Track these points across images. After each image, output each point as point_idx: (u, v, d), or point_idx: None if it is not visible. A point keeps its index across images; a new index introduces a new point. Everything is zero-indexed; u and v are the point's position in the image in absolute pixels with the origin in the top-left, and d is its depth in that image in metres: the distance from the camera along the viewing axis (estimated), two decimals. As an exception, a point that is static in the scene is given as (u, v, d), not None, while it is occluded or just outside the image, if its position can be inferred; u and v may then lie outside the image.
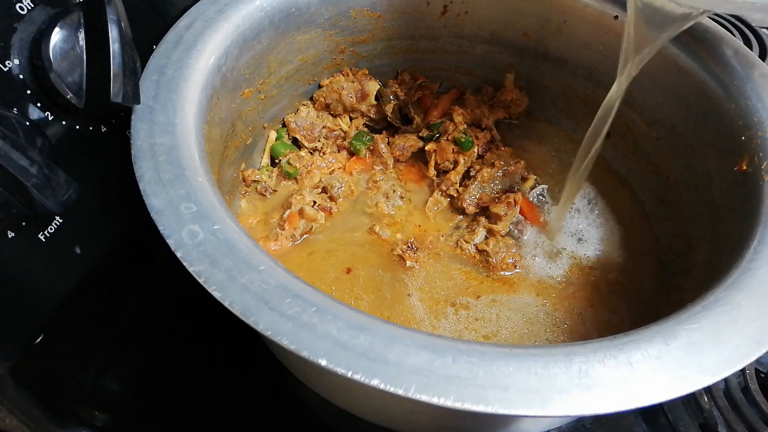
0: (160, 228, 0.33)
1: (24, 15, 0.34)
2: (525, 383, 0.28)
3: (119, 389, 0.50)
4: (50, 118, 0.36)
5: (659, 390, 0.29)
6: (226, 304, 0.30)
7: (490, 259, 0.54)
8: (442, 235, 0.56)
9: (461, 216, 0.58)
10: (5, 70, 0.33)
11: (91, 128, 0.40)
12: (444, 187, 0.59)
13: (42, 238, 0.36)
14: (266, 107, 0.59)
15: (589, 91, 0.63)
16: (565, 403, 0.28)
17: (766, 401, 0.50)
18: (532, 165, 0.62)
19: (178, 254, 0.32)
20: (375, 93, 0.64)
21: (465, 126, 0.63)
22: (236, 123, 0.53)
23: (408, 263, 0.53)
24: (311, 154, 0.62)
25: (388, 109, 0.65)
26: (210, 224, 0.34)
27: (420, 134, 0.64)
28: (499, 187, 0.59)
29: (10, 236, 0.34)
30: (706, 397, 0.50)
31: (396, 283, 0.52)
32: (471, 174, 0.60)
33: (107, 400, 0.49)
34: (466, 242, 0.55)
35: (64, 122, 0.37)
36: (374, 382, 0.28)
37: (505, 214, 0.56)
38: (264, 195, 0.58)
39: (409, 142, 0.63)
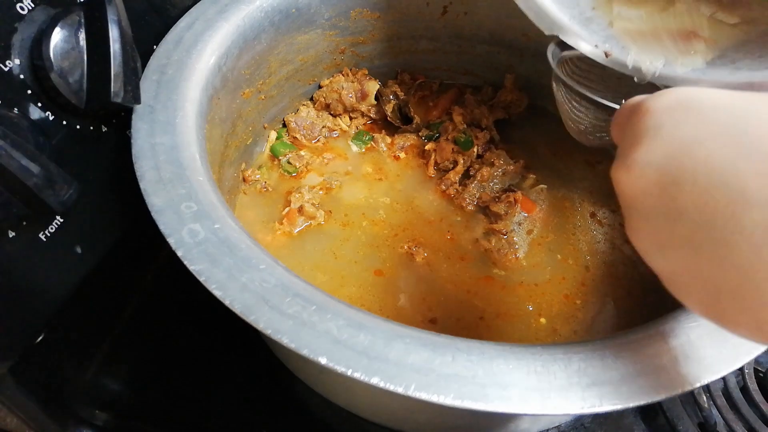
0: (161, 227, 0.33)
1: (24, 15, 0.34)
2: (524, 381, 0.29)
3: (119, 388, 0.50)
4: (51, 118, 0.36)
5: (658, 388, 0.29)
6: (226, 302, 0.30)
7: (493, 257, 0.54)
8: (443, 234, 0.56)
9: (461, 215, 0.59)
10: (6, 70, 0.33)
11: (91, 128, 0.40)
12: (444, 187, 0.59)
13: (43, 237, 0.36)
14: (266, 107, 0.59)
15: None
16: (564, 401, 0.28)
17: (765, 401, 0.50)
18: (531, 164, 0.63)
19: (179, 253, 0.32)
20: (375, 93, 0.65)
21: (464, 126, 0.63)
22: (237, 123, 0.53)
23: (410, 261, 0.53)
24: (311, 153, 0.62)
25: (388, 108, 0.65)
26: (210, 223, 0.34)
27: (420, 134, 0.64)
28: (498, 186, 0.59)
29: (10, 236, 0.34)
30: (704, 397, 0.50)
31: (397, 281, 0.52)
32: (471, 173, 0.60)
33: (107, 399, 0.49)
34: (467, 241, 0.55)
35: (64, 122, 0.37)
36: (374, 381, 0.28)
37: (506, 213, 0.56)
38: (264, 194, 0.58)
39: (408, 142, 0.64)
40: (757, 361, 0.54)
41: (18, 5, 0.34)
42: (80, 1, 0.36)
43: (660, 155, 0.25)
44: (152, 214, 0.34)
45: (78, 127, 0.38)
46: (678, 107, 0.26)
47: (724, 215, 0.22)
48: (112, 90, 0.36)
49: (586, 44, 0.46)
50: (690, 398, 0.51)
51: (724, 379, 0.52)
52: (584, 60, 0.47)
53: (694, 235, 0.24)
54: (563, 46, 0.47)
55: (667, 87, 0.31)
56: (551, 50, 0.48)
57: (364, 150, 0.63)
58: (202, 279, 0.31)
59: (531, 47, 0.64)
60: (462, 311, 0.50)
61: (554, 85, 0.48)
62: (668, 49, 0.45)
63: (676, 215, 0.24)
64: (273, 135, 0.62)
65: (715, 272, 0.23)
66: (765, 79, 0.40)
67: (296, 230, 0.55)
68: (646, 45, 0.45)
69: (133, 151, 0.37)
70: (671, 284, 0.27)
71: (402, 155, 0.63)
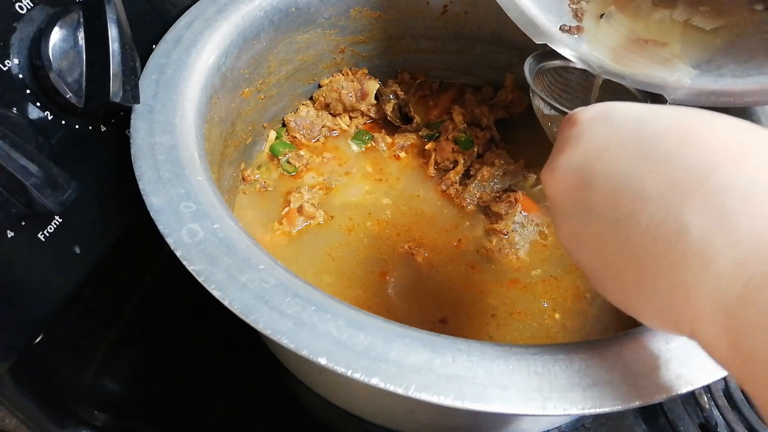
0: (160, 227, 0.33)
1: (23, 14, 0.34)
2: (525, 382, 0.28)
3: (119, 389, 0.50)
4: (50, 118, 0.36)
5: (659, 388, 0.29)
6: (225, 303, 0.30)
7: (493, 257, 0.54)
8: (444, 234, 0.56)
9: (462, 215, 0.58)
10: (5, 69, 0.33)
11: (90, 127, 0.40)
12: (444, 186, 0.59)
13: (41, 237, 0.36)
14: (266, 107, 0.59)
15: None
16: (564, 402, 0.28)
17: (766, 400, 0.50)
18: (532, 164, 0.62)
19: (178, 253, 0.32)
20: (374, 92, 0.65)
21: (465, 125, 0.63)
22: (236, 122, 0.53)
23: (411, 261, 0.53)
24: (310, 153, 0.62)
25: (388, 108, 0.65)
26: (209, 223, 0.34)
27: (420, 133, 0.64)
28: (499, 186, 0.59)
29: (9, 236, 0.34)
30: (705, 397, 0.50)
31: (402, 282, 0.52)
32: (471, 173, 0.60)
33: (107, 399, 0.49)
34: (468, 241, 0.55)
35: (63, 122, 0.37)
36: (374, 381, 0.28)
37: (507, 212, 0.56)
38: (263, 194, 0.58)
39: (409, 141, 0.63)
40: (758, 361, 0.54)
41: (17, 4, 0.34)
42: (79, 1, 0.36)
43: (578, 160, 0.28)
44: (151, 213, 0.33)
45: (77, 126, 0.38)
46: (598, 118, 0.29)
47: (626, 212, 0.24)
48: (111, 89, 0.35)
49: (570, 52, 0.49)
50: (691, 399, 0.51)
51: (725, 379, 0.52)
52: (563, 69, 0.52)
53: (604, 232, 0.26)
54: (540, 58, 0.52)
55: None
56: (528, 63, 0.52)
57: (363, 149, 0.63)
58: (201, 279, 0.31)
59: (531, 47, 0.64)
60: (473, 310, 0.50)
61: (531, 93, 0.52)
62: (648, 64, 0.46)
63: (589, 214, 0.27)
64: (272, 134, 0.62)
65: (621, 265, 0.25)
66: (745, 88, 0.41)
67: (295, 230, 0.54)
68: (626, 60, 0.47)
69: (132, 151, 0.37)
70: (592, 280, 0.29)
71: (402, 155, 0.63)
